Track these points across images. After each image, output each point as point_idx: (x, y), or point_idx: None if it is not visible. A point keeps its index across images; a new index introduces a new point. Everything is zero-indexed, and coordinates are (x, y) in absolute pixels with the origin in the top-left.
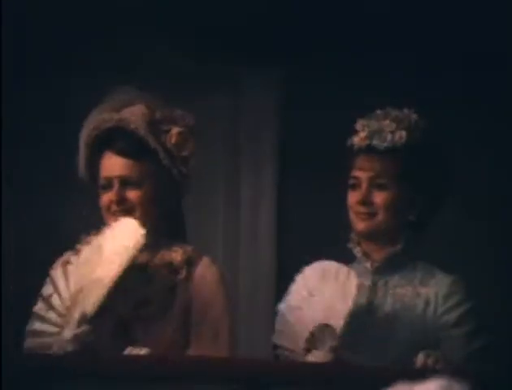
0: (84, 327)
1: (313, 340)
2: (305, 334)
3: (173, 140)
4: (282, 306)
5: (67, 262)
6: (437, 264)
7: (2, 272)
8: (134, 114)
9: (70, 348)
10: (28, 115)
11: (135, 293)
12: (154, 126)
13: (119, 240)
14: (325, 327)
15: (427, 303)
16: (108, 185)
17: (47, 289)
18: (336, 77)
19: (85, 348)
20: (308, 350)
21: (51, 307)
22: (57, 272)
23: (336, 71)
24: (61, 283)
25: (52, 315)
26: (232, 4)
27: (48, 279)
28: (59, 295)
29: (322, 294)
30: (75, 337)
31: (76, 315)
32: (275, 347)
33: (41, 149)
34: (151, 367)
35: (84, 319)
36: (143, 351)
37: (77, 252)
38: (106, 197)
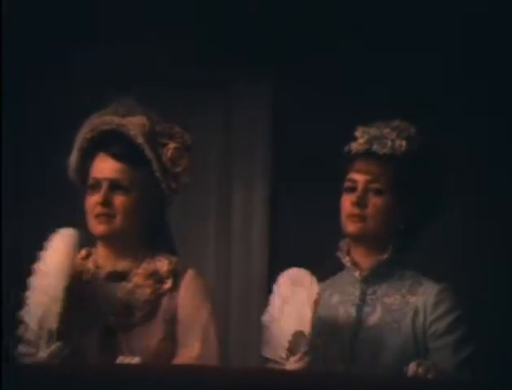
0: (55, 345)
1: (291, 348)
2: (285, 343)
3: (169, 154)
4: (265, 318)
5: None
6: (425, 272)
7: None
8: (135, 123)
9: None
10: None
11: (117, 301)
12: (152, 137)
13: (57, 253)
14: (299, 334)
15: (415, 312)
16: (96, 186)
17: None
18: (329, 88)
19: (66, 360)
20: (287, 359)
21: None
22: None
23: (329, 81)
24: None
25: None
26: (226, 10)
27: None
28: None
29: (293, 301)
30: (51, 355)
31: (45, 335)
32: (265, 360)
33: (40, 150)
34: (142, 376)
35: (52, 336)
36: (135, 360)
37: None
38: (92, 199)
